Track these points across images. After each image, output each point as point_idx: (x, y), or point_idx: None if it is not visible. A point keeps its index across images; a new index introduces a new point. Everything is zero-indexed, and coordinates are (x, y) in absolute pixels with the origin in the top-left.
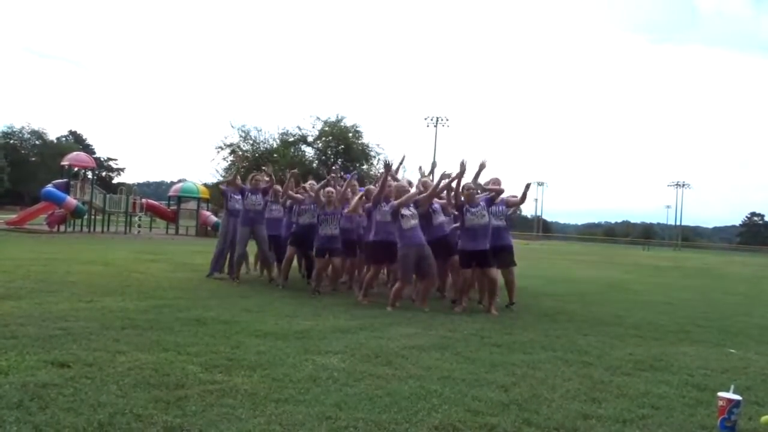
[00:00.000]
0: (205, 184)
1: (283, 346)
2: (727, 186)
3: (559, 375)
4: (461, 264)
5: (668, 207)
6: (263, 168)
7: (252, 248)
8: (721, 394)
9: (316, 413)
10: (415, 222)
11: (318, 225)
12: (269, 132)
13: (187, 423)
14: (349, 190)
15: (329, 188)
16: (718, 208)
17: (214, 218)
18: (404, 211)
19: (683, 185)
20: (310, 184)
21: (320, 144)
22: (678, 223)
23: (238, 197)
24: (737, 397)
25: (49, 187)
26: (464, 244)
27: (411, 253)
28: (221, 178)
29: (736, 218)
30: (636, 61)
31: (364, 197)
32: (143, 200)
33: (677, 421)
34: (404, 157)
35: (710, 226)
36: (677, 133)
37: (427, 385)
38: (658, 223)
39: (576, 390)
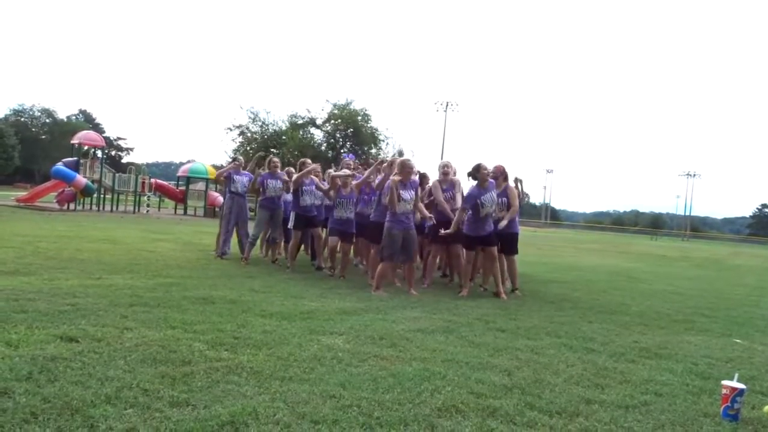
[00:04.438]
0: (214, 165)
1: (289, 326)
2: (738, 177)
3: (562, 360)
4: (467, 246)
5: (678, 197)
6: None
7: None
8: (725, 382)
9: (320, 392)
10: (409, 207)
11: (333, 208)
12: (278, 114)
13: (193, 398)
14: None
15: (345, 170)
16: (728, 199)
17: (222, 199)
18: (404, 195)
19: (694, 175)
20: (329, 173)
21: (329, 127)
22: (687, 213)
23: (240, 178)
24: (741, 385)
25: (59, 166)
26: (471, 230)
27: (398, 235)
28: (230, 159)
29: (746, 209)
30: (647, 50)
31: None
32: (152, 180)
33: (680, 408)
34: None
35: (720, 216)
36: (689, 123)
37: (431, 368)
38: (668, 213)
39: (579, 375)
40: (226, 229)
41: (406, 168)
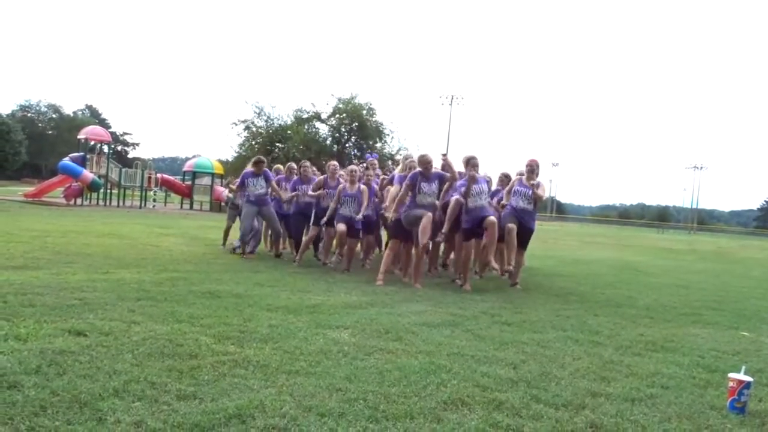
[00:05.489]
0: (220, 160)
1: (295, 320)
2: (746, 170)
3: (568, 354)
4: (466, 238)
5: (685, 190)
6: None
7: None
8: (731, 375)
9: (327, 385)
10: (430, 200)
11: (338, 206)
12: (283, 109)
13: (200, 392)
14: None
15: (352, 167)
16: (735, 192)
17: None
18: (425, 188)
19: (700, 168)
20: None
21: (334, 121)
22: (694, 206)
23: (254, 181)
24: (748, 378)
25: (66, 161)
26: (467, 222)
27: (414, 215)
28: (236, 154)
29: (753, 202)
30: (652, 43)
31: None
32: (158, 175)
33: (686, 401)
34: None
35: (727, 209)
36: (695, 115)
37: (437, 361)
38: (674, 206)
39: (585, 369)
40: (250, 227)
41: (422, 162)
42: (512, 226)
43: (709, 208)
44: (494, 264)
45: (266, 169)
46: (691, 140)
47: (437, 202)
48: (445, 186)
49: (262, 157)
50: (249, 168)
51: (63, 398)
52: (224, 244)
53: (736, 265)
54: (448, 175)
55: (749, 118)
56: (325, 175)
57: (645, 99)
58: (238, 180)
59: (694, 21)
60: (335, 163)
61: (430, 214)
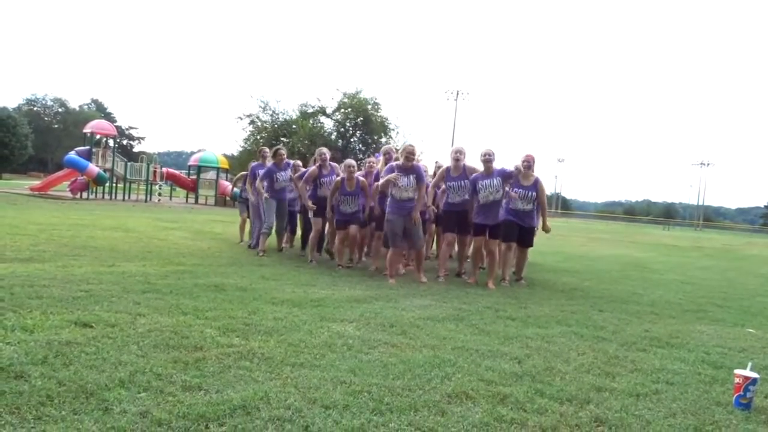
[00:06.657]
0: (225, 155)
1: (299, 313)
2: (752, 166)
3: (573, 349)
4: (475, 233)
5: (691, 186)
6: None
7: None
8: (737, 371)
9: (331, 378)
10: (407, 194)
11: (338, 203)
12: (288, 103)
13: (205, 383)
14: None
15: (349, 160)
16: (742, 189)
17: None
18: (400, 182)
19: (707, 165)
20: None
21: (339, 116)
22: (700, 203)
23: (281, 174)
24: (754, 374)
25: (72, 155)
26: (478, 219)
27: (395, 221)
28: (241, 149)
29: (760, 199)
30: (659, 39)
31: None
32: (164, 169)
33: (692, 396)
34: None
35: (734, 206)
36: (702, 112)
37: (441, 355)
38: (680, 203)
39: (590, 364)
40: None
41: (403, 152)
42: (511, 244)
43: (715, 205)
44: (491, 285)
45: (288, 161)
46: (698, 137)
47: (423, 197)
48: (434, 182)
49: (282, 147)
50: (271, 162)
51: (69, 388)
52: (242, 239)
53: (742, 263)
54: (423, 172)
55: (756, 114)
56: (318, 164)
57: (652, 95)
58: (263, 175)
59: (701, 18)
60: (323, 151)
61: (412, 221)
